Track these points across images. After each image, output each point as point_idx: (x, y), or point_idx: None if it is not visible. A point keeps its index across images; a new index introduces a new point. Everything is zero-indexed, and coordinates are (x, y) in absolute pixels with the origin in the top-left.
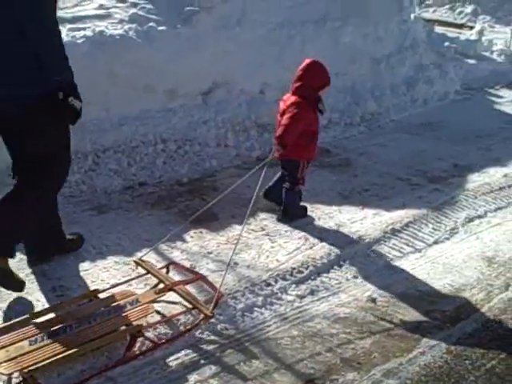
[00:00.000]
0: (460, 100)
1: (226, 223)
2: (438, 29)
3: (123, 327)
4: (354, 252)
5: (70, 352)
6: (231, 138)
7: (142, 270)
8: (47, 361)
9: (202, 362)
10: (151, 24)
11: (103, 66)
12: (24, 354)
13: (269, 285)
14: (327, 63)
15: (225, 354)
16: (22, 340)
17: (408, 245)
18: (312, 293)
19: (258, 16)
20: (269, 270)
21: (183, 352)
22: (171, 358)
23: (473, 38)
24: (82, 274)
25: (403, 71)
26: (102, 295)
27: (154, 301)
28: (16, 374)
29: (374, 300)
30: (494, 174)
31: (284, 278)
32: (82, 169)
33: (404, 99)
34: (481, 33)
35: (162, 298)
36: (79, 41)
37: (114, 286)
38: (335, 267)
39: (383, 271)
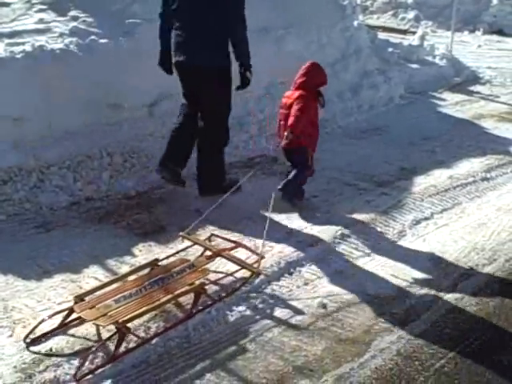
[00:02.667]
0: (405, 104)
1: (174, 235)
2: (382, 35)
3: (187, 286)
4: (304, 259)
5: (150, 306)
6: None
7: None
8: (134, 313)
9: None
10: (92, 37)
11: (44, 81)
12: (113, 311)
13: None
14: (271, 72)
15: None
16: (107, 300)
17: (357, 249)
18: (263, 301)
19: None
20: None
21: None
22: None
23: (415, 43)
24: (27, 293)
25: (348, 77)
26: (161, 263)
27: (207, 264)
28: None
29: (324, 306)
30: (439, 176)
31: (235, 289)
32: (26, 186)
33: (350, 105)
34: (422, 38)
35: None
36: (18, 56)
37: (168, 257)
38: (285, 275)
39: (333, 277)
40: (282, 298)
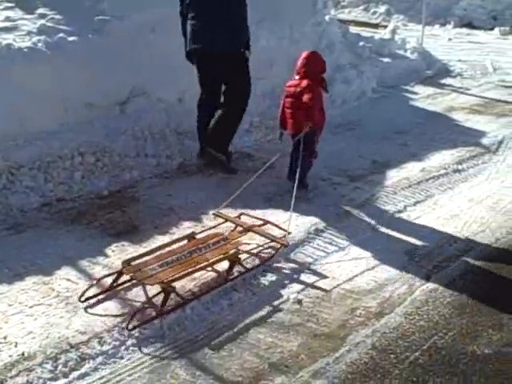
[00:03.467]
0: (377, 98)
1: (148, 234)
2: (354, 29)
3: (223, 255)
4: (279, 254)
5: (190, 270)
6: (151, 147)
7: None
8: (177, 275)
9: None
10: (61, 35)
11: (13, 80)
12: (159, 273)
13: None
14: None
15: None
16: (153, 264)
17: (332, 244)
18: (239, 298)
19: (173, 24)
20: (193, 280)
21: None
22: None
23: (386, 37)
24: None
25: None
26: (198, 236)
27: (239, 237)
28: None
29: (299, 301)
30: (411, 169)
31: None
32: None
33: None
34: (394, 32)
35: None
36: None
37: (203, 231)
38: (261, 271)
39: (308, 272)
40: (258, 294)
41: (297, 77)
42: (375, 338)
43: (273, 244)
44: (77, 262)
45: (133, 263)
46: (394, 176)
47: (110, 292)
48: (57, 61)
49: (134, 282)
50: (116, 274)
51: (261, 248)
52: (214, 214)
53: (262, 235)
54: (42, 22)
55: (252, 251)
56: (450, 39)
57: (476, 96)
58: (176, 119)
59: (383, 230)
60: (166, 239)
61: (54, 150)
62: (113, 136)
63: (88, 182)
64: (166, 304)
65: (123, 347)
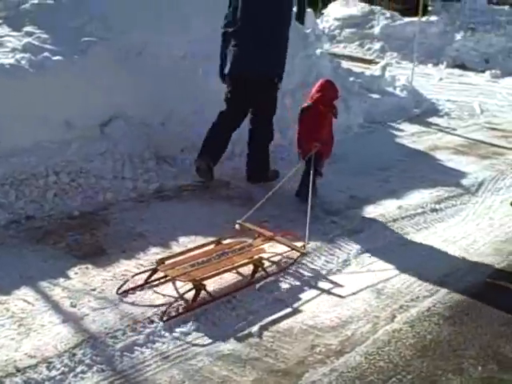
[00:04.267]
0: (363, 133)
1: (114, 258)
2: (347, 64)
3: (247, 260)
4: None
5: (219, 270)
6: (129, 170)
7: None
8: (207, 274)
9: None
10: (46, 54)
11: None
12: (190, 272)
13: (152, 322)
14: None
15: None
16: (184, 264)
17: (300, 278)
18: (198, 328)
19: (158, 49)
20: (154, 307)
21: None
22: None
23: (377, 73)
24: None
25: None
26: (224, 241)
27: (262, 245)
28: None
29: (260, 335)
30: (388, 206)
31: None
32: None
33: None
34: (384, 68)
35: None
36: None
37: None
38: (223, 302)
39: (272, 305)
40: (218, 325)
41: (310, 102)
42: (332, 376)
43: (291, 253)
44: (37, 282)
45: (166, 262)
46: (370, 212)
47: (144, 286)
48: (39, 79)
49: (167, 278)
50: (150, 271)
51: (280, 256)
52: (237, 223)
53: (282, 244)
54: (28, 39)
55: (272, 258)
56: (441, 79)
57: (461, 136)
58: (157, 143)
59: (353, 266)
60: (131, 264)
61: (29, 167)
62: (90, 157)
63: (60, 202)
64: (196, 300)
65: (72, 374)
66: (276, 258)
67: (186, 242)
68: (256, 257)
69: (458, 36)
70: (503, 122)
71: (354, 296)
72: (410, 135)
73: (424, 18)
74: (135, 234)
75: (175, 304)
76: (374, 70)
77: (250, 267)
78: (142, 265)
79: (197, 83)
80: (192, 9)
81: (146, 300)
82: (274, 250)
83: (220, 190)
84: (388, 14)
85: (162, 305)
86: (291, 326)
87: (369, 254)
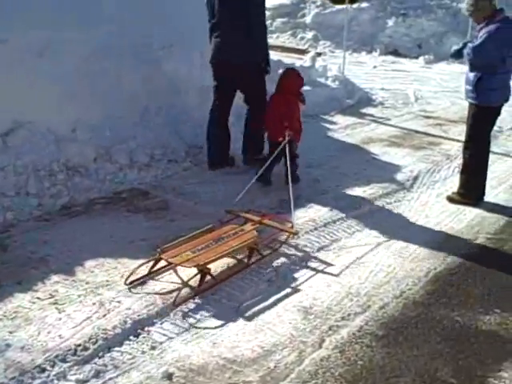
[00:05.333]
0: None
1: (7, 292)
2: (279, 55)
3: (243, 243)
4: (155, 316)
5: (220, 255)
6: (34, 184)
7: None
8: (210, 259)
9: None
10: None
11: None
12: (193, 258)
13: (44, 370)
14: (150, 96)
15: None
16: (186, 251)
17: (219, 301)
18: (97, 374)
19: (64, 46)
20: (47, 351)
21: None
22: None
23: (306, 64)
24: None
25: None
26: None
27: (253, 229)
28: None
29: (170, 376)
30: (319, 209)
31: (64, 360)
32: None
33: (233, 130)
34: (314, 59)
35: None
36: None
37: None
38: (131, 338)
39: (187, 336)
40: (122, 368)
41: (278, 91)
42: None
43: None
44: None
45: (168, 251)
46: (300, 217)
47: (150, 275)
48: None
49: (169, 267)
50: (154, 261)
51: (272, 238)
52: (226, 210)
53: (271, 227)
54: None
55: (264, 241)
56: (374, 67)
57: (395, 127)
58: (67, 153)
59: (279, 282)
60: (26, 298)
61: None
62: None
63: None
64: (202, 284)
65: None
66: (266, 241)
67: (92, 266)
68: (251, 240)
69: (390, 22)
70: (437, 109)
71: (280, 318)
72: (342, 128)
73: (355, 5)
74: (35, 261)
75: (183, 290)
76: (304, 61)
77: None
78: (38, 298)
79: (109, 82)
80: (104, 0)
81: (153, 289)
82: (264, 232)
83: (137, 201)
84: (319, 2)
85: (170, 292)
86: (207, 362)
87: (296, 267)
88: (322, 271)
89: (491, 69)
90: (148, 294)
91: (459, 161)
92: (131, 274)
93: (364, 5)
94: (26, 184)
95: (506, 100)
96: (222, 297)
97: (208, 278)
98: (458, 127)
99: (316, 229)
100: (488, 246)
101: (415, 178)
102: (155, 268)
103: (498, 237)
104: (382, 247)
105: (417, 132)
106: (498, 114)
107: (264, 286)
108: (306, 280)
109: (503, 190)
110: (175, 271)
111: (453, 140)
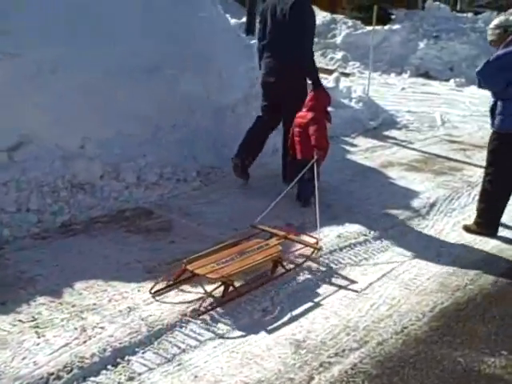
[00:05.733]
0: None
1: None
2: None
3: (267, 257)
4: (138, 344)
5: (244, 268)
6: (35, 201)
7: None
8: (234, 271)
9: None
10: None
11: None
12: (217, 270)
13: None
14: (163, 115)
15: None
16: (211, 263)
17: (208, 330)
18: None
19: (77, 63)
20: (17, 379)
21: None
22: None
23: (330, 85)
24: None
25: (249, 121)
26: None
27: (278, 244)
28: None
29: None
30: (327, 234)
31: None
32: None
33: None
34: (338, 79)
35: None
36: None
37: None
38: (109, 367)
39: (168, 368)
40: None
41: (304, 109)
42: None
43: (305, 249)
44: None
45: (194, 262)
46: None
47: (175, 285)
48: None
49: (194, 277)
50: (179, 271)
51: (296, 253)
52: (251, 225)
53: (296, 241)
54: None
55: (289, 255)
56: (403, 88)
57: (417, 150)
58: (73, 169)
59: (275, 312)
60: (7, 320)
61: None
62: None
63: None
64: (225, 296)
65: None
66: (292, 255)
67: (81, 288)
68: (275, 254)
69: (422, 44)
70: (463, 133)
71: (269, 352)
72: (363, 151)
73: (387, 27)
74: (24, 280)
75: (206, 300)
76: (328, 81)
77: (268, 265)
78: (20, 320)
79: (120, 101)
80: (118, 20)
81: (178, 297)
82: (289, 247)
83: (140, 220)
84: (350, 23)
85: (193, 301)
86: None
87: (295, 298)
88: (319, 303)
89: (503, 94)
90: (172, 303)
91: (479, 188)
92: (156, 283)
93: (396, 26)
94: (27, 200)
95: None
96: (211, 325)
97: (231, 289)
98: (482, 153)
99: (320, 256)
100: (502, 281)
101: (432, 205)
102: (180, 278)
103: None
104: (389, 278)
105: (439, 156)
106: None
107: (258, 316)
108: (303, 311)
109: None
110: (200, 283)
111: (476, 166)
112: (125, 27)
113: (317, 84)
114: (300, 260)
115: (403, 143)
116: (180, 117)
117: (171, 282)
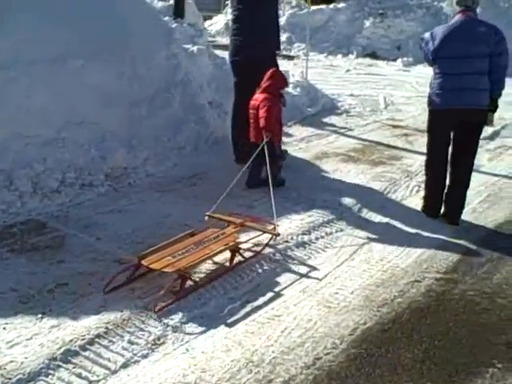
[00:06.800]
0: None
1: None
2: None
3: (225, 246)
4: None
5: (201, 259)
6: None
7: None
8: (191, 263)
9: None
10: None
11: None
12: (174, 263)
13: None
14: (68, 111)
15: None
16: (166, 256)
17: (81, 376)
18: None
19: None
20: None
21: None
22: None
23: None
24: None
25: (170, 113)
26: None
27: (235, 232)
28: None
29: None
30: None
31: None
32: None
33: (168, 147)
34: None
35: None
36: None
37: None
38: None
39: None
40: None
41: (259, 91)
42: None
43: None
44: None
45: (148, 257)
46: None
47: (131, 283)
48: None
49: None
50: (133, 267)
51: (254, 240)
52: (206, 215)
53: (254, 229)
54: None
55: (247, 243)
56: (348, 70)
57: (357, 138)
58: None
59: (170, 344)
60: None
61: None
62: None
63: None
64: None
65: None
66: (250, 243)
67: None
68: (232, 243)
69: (368, 23)
70: (407, 117)
71: None
72: (297, 141)
73: (332, 5)
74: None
75: (163, 295)
76: None
77: (227, 255)
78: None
79: (18, 95)
80: (8, 5)
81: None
82: (246, 235)
83: (28, 236)
84: (294, 3)
85: (150, 297)
86: None
87: (193, 324)
88: (221, 330)
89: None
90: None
91: (420, 178)
92: (110, 281)
93: (341, 5)
94: None
95: (453, 104)
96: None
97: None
98: (425, 137)
99: (227, 271)
100: (434, 291)
101: (366, 202)
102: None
103: (448, 276)
104: (307, 294)
105: (379, 144)
106: (452, 119)
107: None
108: (202, 341)
109: (465, 212)
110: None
111: (417, 153)
112: (18, 14)
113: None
114: (258, 248)
115: (342, 130)
116: (88, 113)
117: (125, 280)
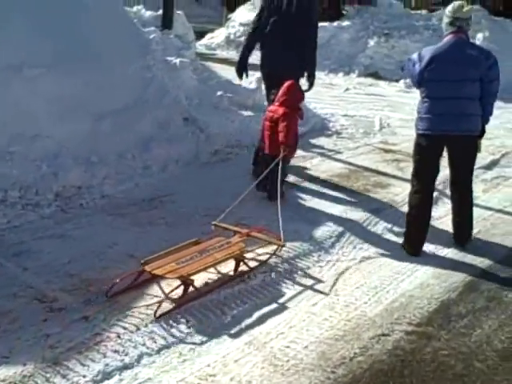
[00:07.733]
0: (213, 163)
1: None
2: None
3: (229, 255)
4: None
5: (204, 266)
6: None
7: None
8: (194, 270)
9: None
10: None
11: None
12: (177, 269)
13: None
14: (19, 124)
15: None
16: (171, 263)
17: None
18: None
19: None
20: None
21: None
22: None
23: (252, 86)
24: None
25: (138, 129)
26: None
27: (240, 241)
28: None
29: None
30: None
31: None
32: None
33: (133, 165)
34: (260, 80)
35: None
36: None
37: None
38: None
39: None
40: None
41: (276, 103)
42: None
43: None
44: None
45: (151, 263)
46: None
47: (133, 288)
48: None
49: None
50: (137, 273)
51: (260, 250)
52: (213, 224)
53: (259, 239)
54: None
55: (252, 253)
56: (347, 89)
57: (344, 162)
58: None
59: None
60: None
61: None
62: None
63: None
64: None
65: None
66: (255, 253)
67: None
68: (237, 252)
69: (372, 42)
70: (402, 140)
71: None
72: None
73: (336, 23)
74: None
75: (165, 301)
76: (249, 83)
77: (231, 264)
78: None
79: None
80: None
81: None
82: (252, 245)
83: None
84: None
85: (153, 303)
86: None
87: (129, 374)
88: None
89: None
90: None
91: (405, 209)
92: (112, 286)
93: (345, 23)
94: None
95: (441, 130)
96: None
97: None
98: None
99: (169, 310)
100: (402, 348)
101: (340, 235)
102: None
103: (421, 329)
104: (253, 348)
105: (366, 169)
106: (439, 145)
107: None
108: None
109: (451, 251)
110: (158, 284)
111: (406, 181)
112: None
113: (313, 77)
114: (264, 257)
115: (329, 153)
116: (44, 125)
117: (129, 284)
